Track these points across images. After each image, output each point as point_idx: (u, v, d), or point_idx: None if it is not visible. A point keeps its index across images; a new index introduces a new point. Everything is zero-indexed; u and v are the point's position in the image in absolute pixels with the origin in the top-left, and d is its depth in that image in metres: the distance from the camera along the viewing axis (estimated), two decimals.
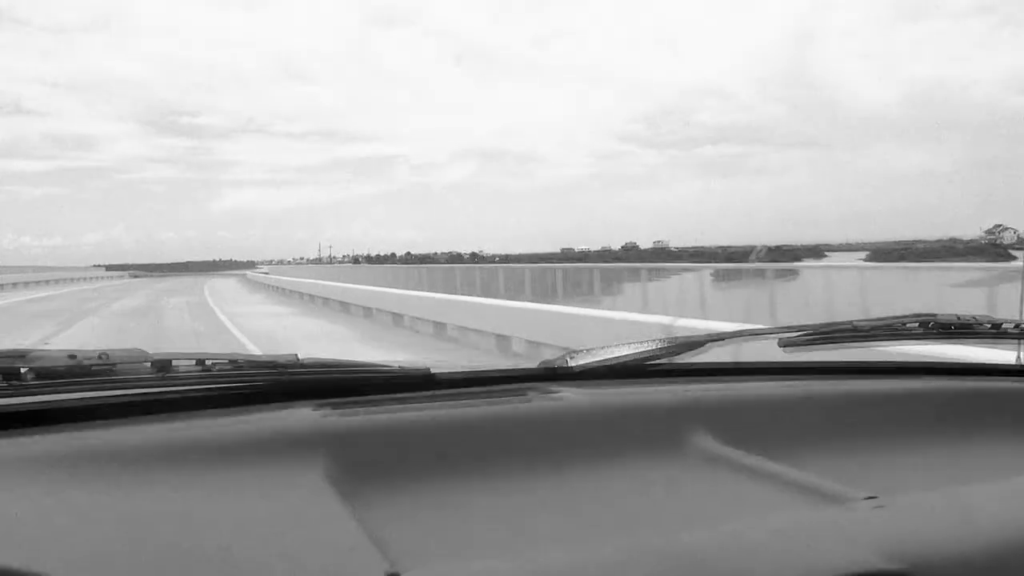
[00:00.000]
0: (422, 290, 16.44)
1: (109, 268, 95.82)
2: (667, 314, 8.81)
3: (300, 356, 1.06)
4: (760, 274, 10.96)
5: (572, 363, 1.20)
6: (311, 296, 26.01)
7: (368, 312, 18.16)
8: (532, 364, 1.26)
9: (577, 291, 12.93)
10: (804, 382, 1.27)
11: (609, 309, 10.36)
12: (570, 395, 1.10)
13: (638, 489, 0.91)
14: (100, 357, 0.96)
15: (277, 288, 35.03)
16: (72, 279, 62.55)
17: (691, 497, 0.90)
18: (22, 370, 0.93)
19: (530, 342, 9.75)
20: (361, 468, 0.87)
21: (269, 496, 0.79)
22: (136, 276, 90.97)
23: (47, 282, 54.10)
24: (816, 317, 7.71)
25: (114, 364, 0.96)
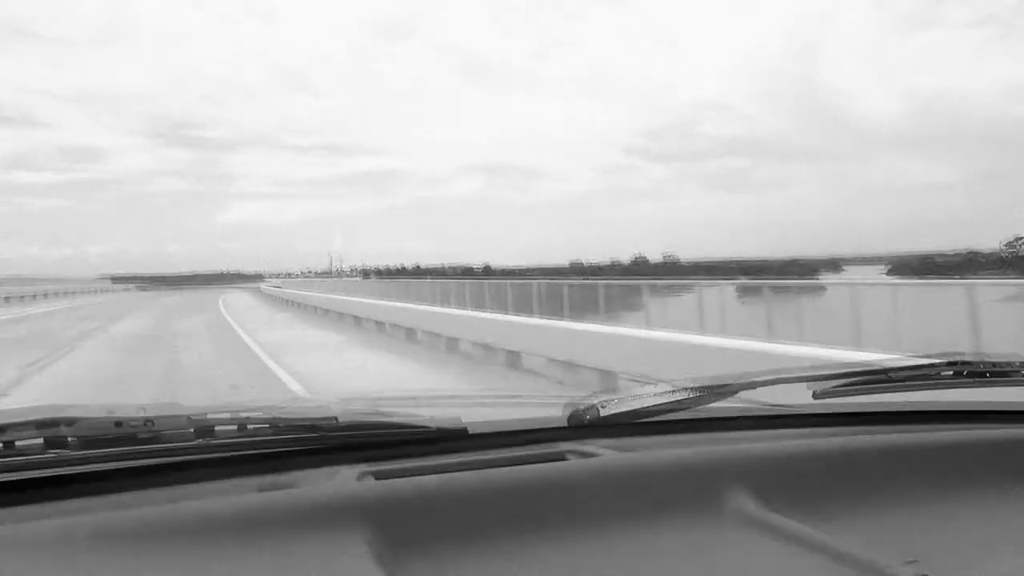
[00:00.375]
0: (466, 308, 15.06)
1: (116, 280, 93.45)
2: (705, 332, 8.70)
3: (336, 412, 1.10)
4: (785, 289, 10.77)
5: (603, 412, 1.17)
6: (340, 314, 23.87)
7: (429, 338, 15.27)
8: (565, 402, 1.23)
9: (608, 307, 12.21)
10: (840, 436, 1.23)
11: (638, 327, 10.11)
12: (606, 454, 1.10)
13: (677, 554, 0.91)
14: (145, 424, 0.97)
15: (301, 304, 32.13)
16: (75, 292, 58.89)
17: (730, 564, 0.89)
18: (68, 439, 0.94)
19: (602, 371, 9.28)
20: (402, 536, 0.87)
21: (310, 567, 0.80)
22: (143, 289, 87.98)
23: (46, 295, 50.30)
24: (848, 337, 7.54)
25: (157, 429, 0.98)
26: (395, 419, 1.13)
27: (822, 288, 11.46)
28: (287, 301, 36.14)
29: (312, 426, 1.06)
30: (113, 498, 0.93)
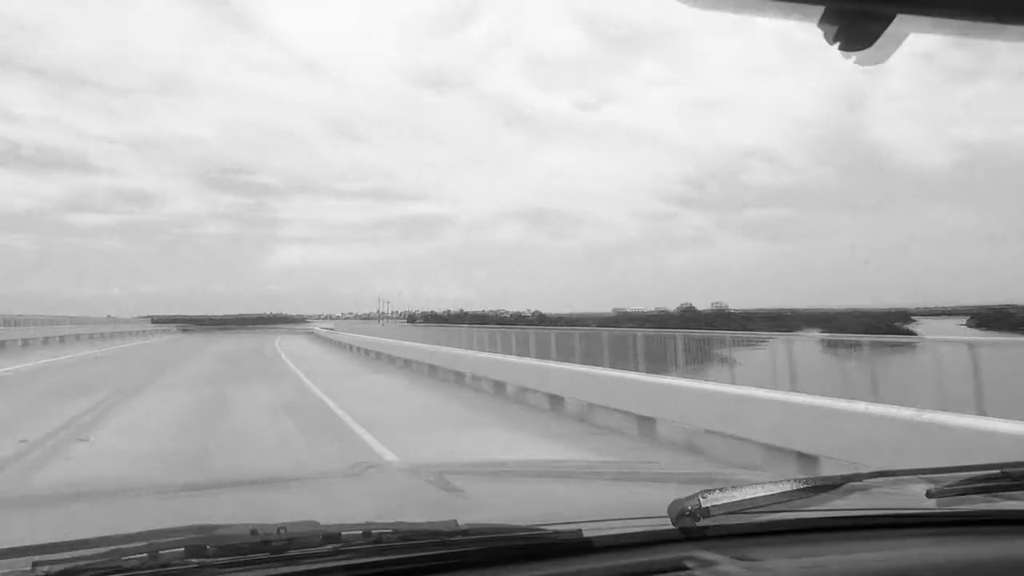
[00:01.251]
0: (568, 361, 13.49)
1: (156, 320, 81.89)
2: (796, 389, 8.09)
3: (462, 524, 1.09)
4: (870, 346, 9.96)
5: (710, 510, 1.14)
6: (412, 362, 21.45)
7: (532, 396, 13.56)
8: (672, 499, 1.18)
9: (684, 359, 11.26)
10: (962, 544, 1.18)
11: (724, 382, 9.32)
12: (727, 565, 1.09)
13: None
14: (279, 532, 1.01)
15: (376, 353, 28.07)
16: (110, 334, 50.28)
17: None
18: (207, 547, 0.99)
19: (688, 428, 8.82)
20: None
21: None
22: (187, 331, 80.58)
23: (76, 338, 42.20)
24: (944, 399, 6.73)
25: (290, 537, 1.01)
26: (519, 531, 1.14)
27: (909, 344, 10.73)
28: (359, 349, 31.44)
29: (439, 538, 1.08)
30: None
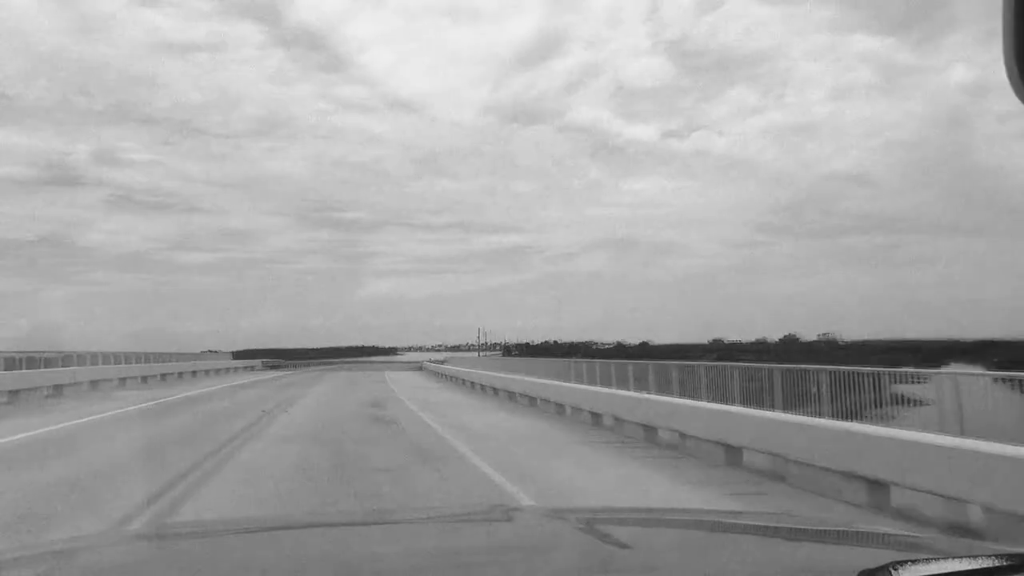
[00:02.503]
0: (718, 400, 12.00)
1: (240, 355, 64.60)
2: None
3: None
4: None
5: None
6: (562, 406, 18.28)
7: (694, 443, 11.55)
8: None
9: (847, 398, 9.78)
10: None
11: (919, 429, 8.01)
12: None
13: None
14: None
15: (508, 393, 23.88)
16: (161, 375, 36.81)
17: None
18: None
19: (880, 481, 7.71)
20: None
21: None
22: (274, 367, 66.21)
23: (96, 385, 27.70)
24: None
25: None
26: None
27: None
28: (508, 394, 24.88)
29: None
30: None
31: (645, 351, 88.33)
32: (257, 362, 65.49)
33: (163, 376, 37.09)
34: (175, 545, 1.96)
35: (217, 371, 47.38)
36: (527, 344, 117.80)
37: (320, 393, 28.43)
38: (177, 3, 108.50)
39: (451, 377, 38.24)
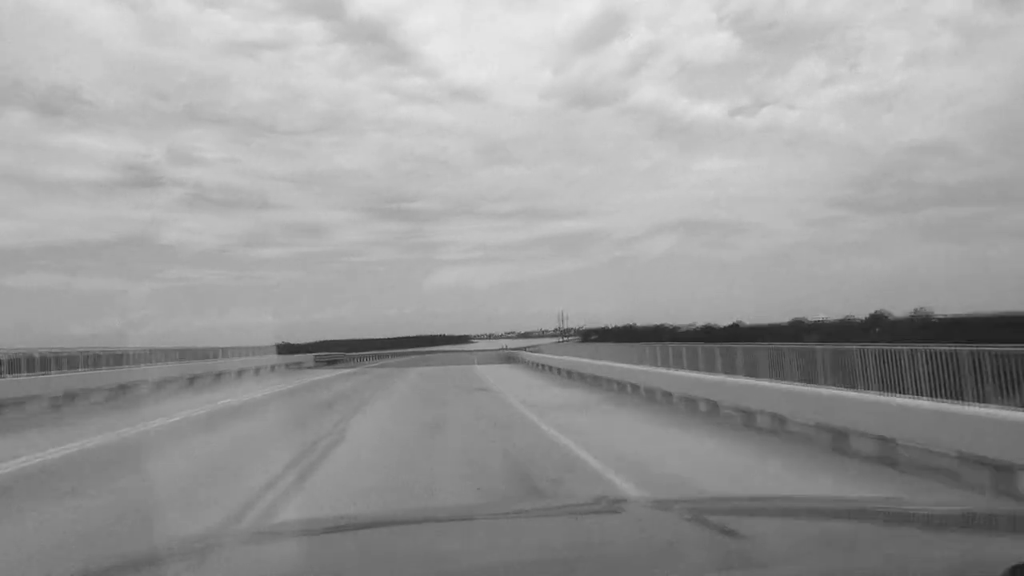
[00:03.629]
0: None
1: (286, 349, 51.26)
2: None
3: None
4: None
5: None
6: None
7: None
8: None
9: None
10: None
11: None
12: None
13: None
14: None
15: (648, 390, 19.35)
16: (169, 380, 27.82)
17: None
18: None
19: None
20: None
21: None
22: (331, 362, 53.79)
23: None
24: None
25: None
26: None
27: None
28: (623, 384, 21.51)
29: None
30: None
31: (734, 333, 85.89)
32: (308, 357, 51.36)
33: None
34: (293, 545, 1.91)
35: (240, 373, 34.82)
36: (604, 328, 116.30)
37: (374, 432, 14.22)
38: (243, 3, 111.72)
39: (578, 375, 28.07)
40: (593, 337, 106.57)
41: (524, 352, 49.83)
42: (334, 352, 59.61)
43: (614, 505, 2.46)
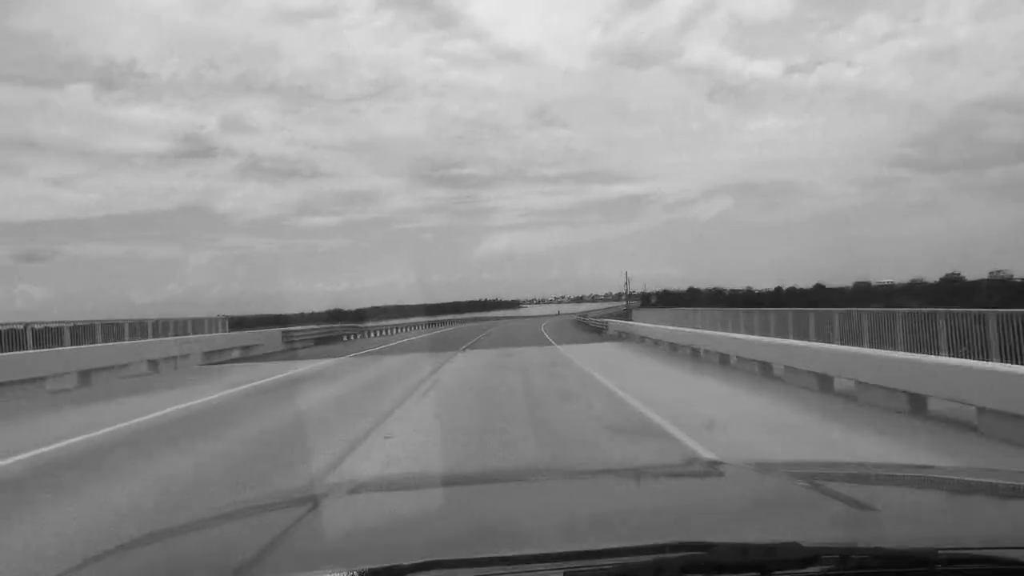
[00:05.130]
0: None
1: (337, 317, 50.23)
2: None
3: (935, 544, 1.06)
4: None
5: None
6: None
7: None
8: None
9: None
10: None
11: None
12: None
13: None
14: (768, 549, 1.03)
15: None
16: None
17: None
18: (702, 563, 1.01)
19: None
20: None
21: None
22: (323, 341, 35.14)
23: None
24: None
25: (780, 560, 1.02)
26: (1004, 557, 1.05)
27: None
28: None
29: (917, 559, 1.04)
30: None
31: (813, 297, 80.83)
32: (272, 335, 30.84)
33: None
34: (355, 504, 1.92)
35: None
36: (665, 292, 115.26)
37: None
38: None
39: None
40: (653, 301, 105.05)
41: (613, 321, 40.11)
42: (351, 324, 44.99)
43: (711, 467, 2.41)
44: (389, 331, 50.42)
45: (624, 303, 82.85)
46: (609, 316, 46.34)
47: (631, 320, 35.54)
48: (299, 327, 35.76)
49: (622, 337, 32.91)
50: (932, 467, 2.97)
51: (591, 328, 44.81)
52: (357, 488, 2.13)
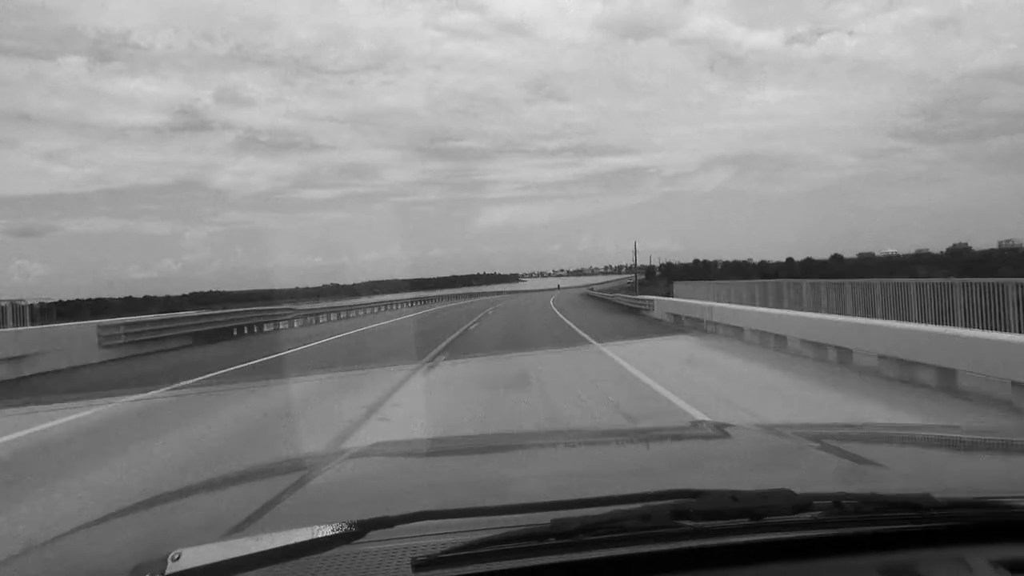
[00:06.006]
0: None
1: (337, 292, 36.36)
2: None
3: (932, 491, 1.05)
4: None
5: None
6: None
7: None
8: None
9: None
10: None
11: None
12: None
13: None
14: (757, 498, 1.01)
15: None
16: None
17: None
18: (691, 511, 0.99)
19: None
20: None
21: None
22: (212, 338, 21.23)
23: None
24: None
25: (769, 506, 1.01)
26: (998, 502, 1.08)
27: None
28: None
29: (916, 511, 1.04)
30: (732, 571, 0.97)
31: (836, 268, 75.78)
32: (87, 331, 16.76)
33: None
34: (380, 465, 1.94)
35: None
36: (669, 264, 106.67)
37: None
38: None
39: None
40: (658, 274, 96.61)
41: (640, 297, 31.22)
42: (259, 308, 28.61)
43: (716, 429, 2.39)
44: (353, 312, 38.51)
45: (632, 276, 73.90)
46: (617, 290, 41.54)
47: (651, 295, 28.74)
48: (135, 318, 19.52)
49: (682, 325, 20.95)
50: (938, 426, 3.44)
51: (617, 306, 33.91)
52: (352, 455, 2.08)
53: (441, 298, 65.77)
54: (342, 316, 36.05)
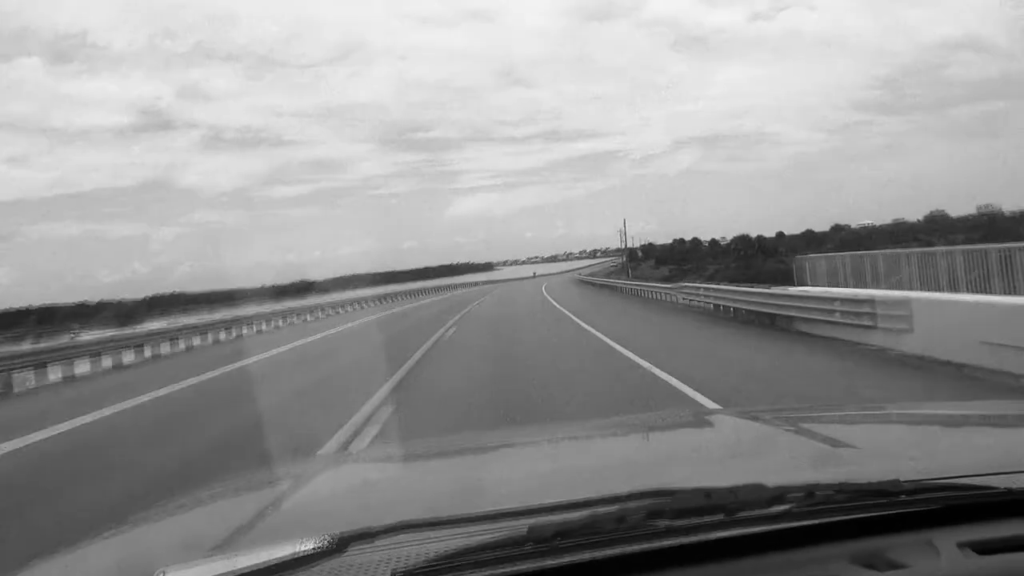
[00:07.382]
0: None
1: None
2: None
3: (900, 477, 1.06)
4: None
5: None
6: None
7: None
8: None
9: None
10: None
11: None
12: None
13: None
14: (730, 493, 1.02)
15: None
16: None
17: None
18: (666, 510, 1.00)
19: None
20: None
21: None
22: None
23: None
24: None
25: (741, 501, 1.01)
26: (965, 484, 1.09)
27: None
28: None
29: (886, 498, 1.05)
30: (711, 568, 0.98)
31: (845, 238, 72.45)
32: None
33: None
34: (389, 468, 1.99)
35: None
36: (650, 245, 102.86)
37: None
38: None
39: None
40: (640, 256, 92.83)
41: (682, 284, 21.78)
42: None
43: (696, 417, 2.52)
44: (280, 320, 29.86)
45: (618, 259, 70.32)
46: (608, 276, 38.03)
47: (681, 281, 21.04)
48: None
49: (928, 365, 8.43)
50: (918, 403, 3.50)
51: (677, 310, 20.24)
52: (330, 464, 2.20)
53: (413, 293, 59.82)
54: (233, 334, 25.65)
